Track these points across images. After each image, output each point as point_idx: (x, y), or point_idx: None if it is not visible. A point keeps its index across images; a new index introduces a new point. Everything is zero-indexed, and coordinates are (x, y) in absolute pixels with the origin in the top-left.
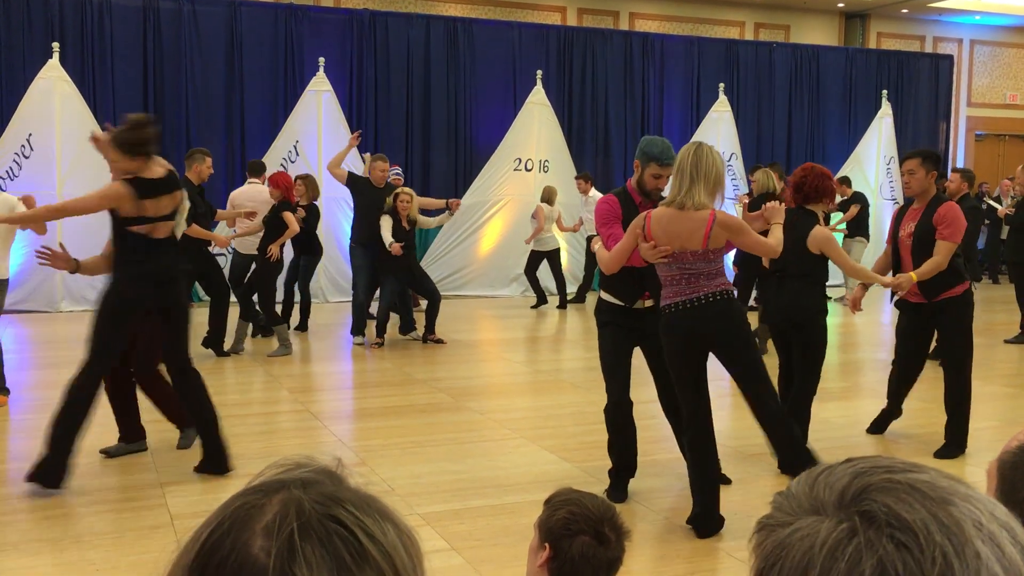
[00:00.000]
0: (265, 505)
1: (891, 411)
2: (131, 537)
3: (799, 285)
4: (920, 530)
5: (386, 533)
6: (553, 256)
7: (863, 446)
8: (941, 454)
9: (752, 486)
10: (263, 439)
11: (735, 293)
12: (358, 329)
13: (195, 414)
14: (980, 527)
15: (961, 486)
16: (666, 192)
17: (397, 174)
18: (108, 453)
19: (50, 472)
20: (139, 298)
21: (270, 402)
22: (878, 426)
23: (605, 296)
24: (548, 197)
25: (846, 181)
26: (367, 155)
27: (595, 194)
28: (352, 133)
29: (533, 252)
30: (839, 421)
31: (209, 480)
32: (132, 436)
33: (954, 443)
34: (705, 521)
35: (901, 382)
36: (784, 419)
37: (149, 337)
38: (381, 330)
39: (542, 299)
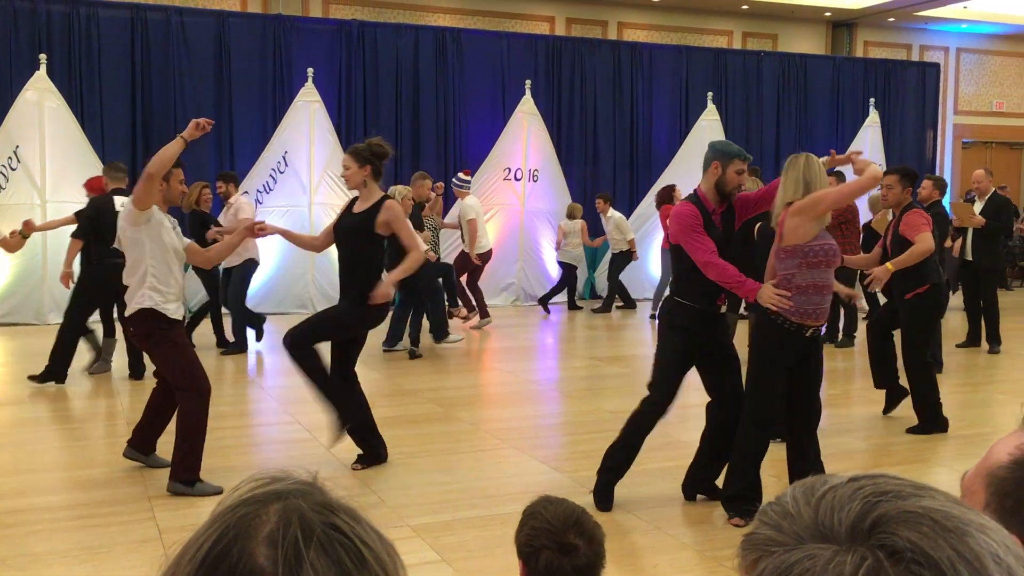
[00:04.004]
0: (264, 514)
1: (889, 393)
2: (119, 551)
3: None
4: (948, 568)
5: (375, 540)
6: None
7: (858, 453)
8: (915, 430)
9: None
10: (253, 451)
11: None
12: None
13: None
14: (999, 561)
15: (972, 514)
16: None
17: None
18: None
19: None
20: None
21: (260, 413)
22: (888, 406)
23: (683, 301)
24: (572, 213)
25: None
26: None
27: (614, 213)
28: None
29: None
30: (833, 427)
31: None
32: (147, 448)
33: (923, 421)
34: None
35: (875, 360)
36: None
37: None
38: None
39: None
